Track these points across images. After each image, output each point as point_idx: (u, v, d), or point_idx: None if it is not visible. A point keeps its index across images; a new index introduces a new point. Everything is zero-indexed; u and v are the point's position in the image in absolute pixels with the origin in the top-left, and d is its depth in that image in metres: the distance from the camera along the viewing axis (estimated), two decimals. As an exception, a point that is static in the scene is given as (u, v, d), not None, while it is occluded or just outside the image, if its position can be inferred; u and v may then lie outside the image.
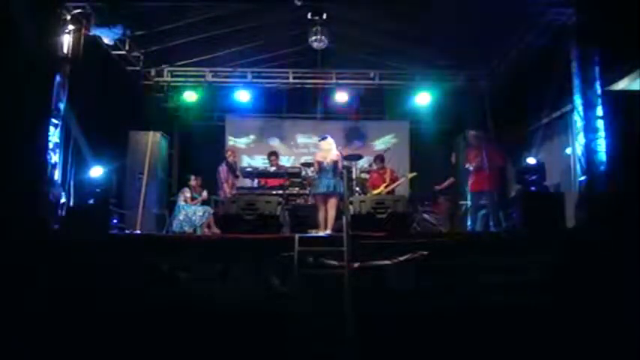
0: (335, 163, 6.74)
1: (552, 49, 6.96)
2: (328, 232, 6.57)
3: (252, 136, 10.84)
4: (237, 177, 8.69)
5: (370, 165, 8.99)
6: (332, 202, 6.64)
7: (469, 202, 7.40)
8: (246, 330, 5.07)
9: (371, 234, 5.80)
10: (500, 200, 7.19)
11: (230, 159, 8.73)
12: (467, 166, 7.38)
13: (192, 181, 8.41)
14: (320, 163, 6.77)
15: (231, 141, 10.70)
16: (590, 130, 6.20)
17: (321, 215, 6.65)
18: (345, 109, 10.21)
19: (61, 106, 6.33)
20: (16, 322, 4.81)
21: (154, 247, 5.79)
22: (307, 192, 8.13)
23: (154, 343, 5.05)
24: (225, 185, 8.48)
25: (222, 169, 8.59)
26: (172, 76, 9.46)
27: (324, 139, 6.94)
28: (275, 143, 10.67)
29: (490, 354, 5.05)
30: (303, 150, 10.76)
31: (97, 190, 6.60)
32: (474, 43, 7.95)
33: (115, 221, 7.32)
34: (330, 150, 6.82)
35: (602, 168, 6.03)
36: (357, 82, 9.52)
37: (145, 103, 9.45)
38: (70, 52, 6.55)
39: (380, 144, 10.72)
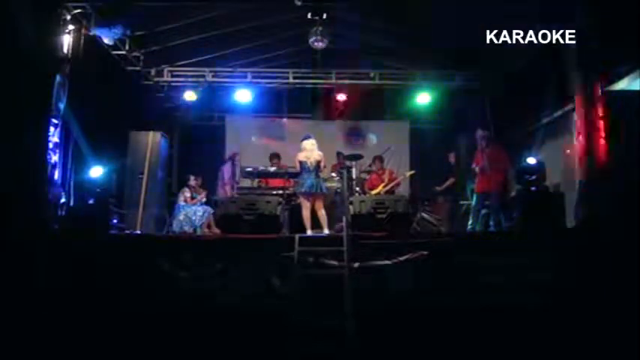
0: (318, 162, 6.76)
1: (552, 49, 6.95)
2: (327, 231, 6.59)
3: (252, 137, 10.85)
4: (237, 182, 8.71)
5: (370, 165, 8.99)
6: (320, 203, 6.70)
7: (472, 202, 7.39)
8: (246, 330, 5.07)
9: (371, 234, 5.81)
10: (501, 201, 7.20)
11: (237, 161, 8.73)
12: (473, 166, 7.37)
13: (192, 181, 8.42)
14: (303, 163, 6.76)
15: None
16: (590, 130, 6.20)
17: (305, 214, 6.67)
18: (344, 109, 10.20)
19: (61, 106, 6.34)
20: (16, 322, 4.80)
21: (154, 247, 5.79)
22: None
23: (154, 343, 5.05)
24: (227, 187, 8.49)
25: (227, 169, 8.59)
26: (172, 76, 9.45)
27: (306, 138, 6.93)
28: (275, 143, 10.67)
29: (490, 354, 5.05)
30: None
31: (97, 190, 6.61)
32: (473, 42, 7.94)
33: (115, 221, 7.32)
34: (312, 150, 6.82)
35: (602, 168, 6.03)
36: (357, 82, 9.51)
37: (145, 103, 9.45)
38: (70, 52, 6.56)
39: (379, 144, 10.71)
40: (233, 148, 10.37)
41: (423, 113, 10.22)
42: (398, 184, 8.69)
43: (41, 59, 5.80)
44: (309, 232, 6.49)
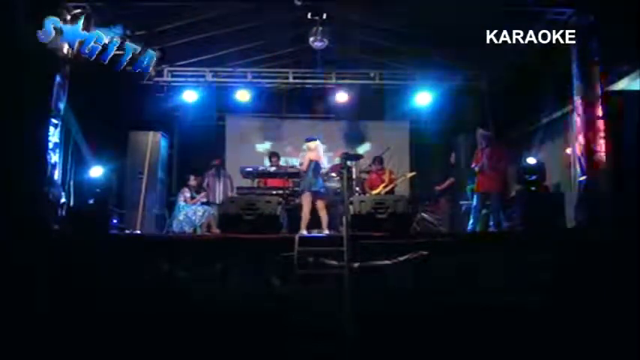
0: (324, 164, 7.07)
1: (552, 50, 6.96)
2: (327, 232, 6.60)
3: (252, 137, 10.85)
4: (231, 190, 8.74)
5: (370, 166, 8.99)
6: (322, 203, 6.83)
7: (473, 202, 7.39)
8: (247, 330, 5.07)
9: (371, 234, 5.81)
10: (501, 201, 7.20)
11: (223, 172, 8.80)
12: (473, 165, 7.38)
13: (192, 181, 8.41)
14: (313, 162, 6.91)
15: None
16: (590, 130, 6.20)
17: (305, 212, 6.72)
18: (345, 109, 10.20)
19: (61, 106, 6.34)
20: (17, 322, 4.80)
21: (154, 247, 5.80)
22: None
23: (154, 343, 5.06)
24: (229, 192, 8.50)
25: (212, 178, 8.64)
26: (172, 76, 9.44)
27: (313, 140, 7.14)
28: (274, 143, 10.68)
29: (490, 354, 5.05)
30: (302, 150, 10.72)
31: (97, 190, 6.61)
32: (473, 42, 7.94)
33: (115, 221, 7.33)
34: (320, 150, 7.08)
35: (602, 168, 6.03)
36: (357, 82, 9.51)
37: (145, 103, 9.44)
38: (69, 52, 6.55)
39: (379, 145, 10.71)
40: (233, 149, 10.40)
41: (423, 113, 10.21)
42: (397, 185, 8.68)
43: (41, 59, 5.80)
44: (304, 232, 6.49)
